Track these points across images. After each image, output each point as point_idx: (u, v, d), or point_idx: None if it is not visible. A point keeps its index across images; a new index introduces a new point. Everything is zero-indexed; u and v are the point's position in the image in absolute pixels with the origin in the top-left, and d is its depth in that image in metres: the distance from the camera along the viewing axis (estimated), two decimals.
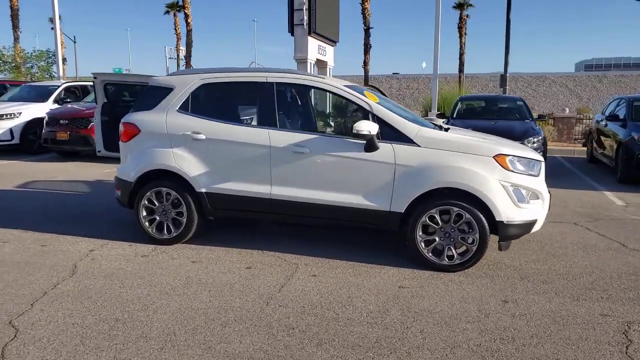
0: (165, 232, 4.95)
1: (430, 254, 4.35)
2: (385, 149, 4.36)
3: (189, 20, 26.91)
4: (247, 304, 3.65)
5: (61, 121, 10.86)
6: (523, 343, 3.16)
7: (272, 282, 4.08)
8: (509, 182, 4.23)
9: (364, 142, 4.35)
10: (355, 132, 4.22)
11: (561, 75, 43.07)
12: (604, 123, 10.37)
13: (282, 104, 4.80)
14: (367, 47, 25.35)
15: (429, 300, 3.77)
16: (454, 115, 9.71)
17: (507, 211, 4.20)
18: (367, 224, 4.61)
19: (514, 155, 4.34)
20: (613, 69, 78.64)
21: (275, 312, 3.52)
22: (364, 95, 4.60)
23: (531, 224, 4.34)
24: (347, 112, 5.33)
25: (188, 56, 27.21)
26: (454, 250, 4.31)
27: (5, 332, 3.22)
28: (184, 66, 27.92)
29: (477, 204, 4.22)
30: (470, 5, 33.66)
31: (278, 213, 4.72)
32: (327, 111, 6.27)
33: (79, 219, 5.97)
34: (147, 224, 4.98)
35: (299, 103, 5.45)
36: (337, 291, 3.91)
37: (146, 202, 4.95)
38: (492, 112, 10.05)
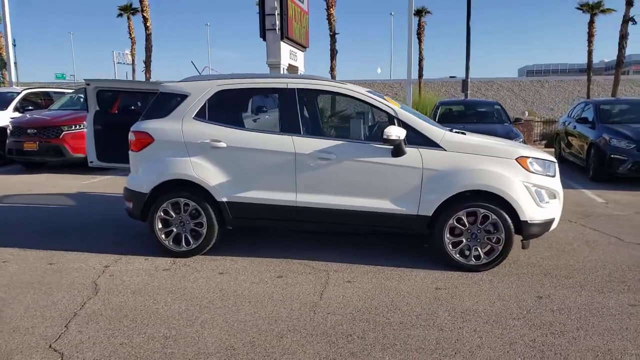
0: (184, 244, 4.80)
1: (457, 255, 4.45)
2: (412, 153, 4.42)
3: (148, 24, 26.10)
4: (294, 313, 3.60)
5: (29, 130, 10.32)
6: (572, 336, 3.28)
7: (309, 290, 4.04)
8: (531, 182, 4.39)
9: (391, 147, 4.40)
10: (386, 137, 4.27)
11: (507, 80, 45.02)
12: (572, 125, 10.91)
13: (305, 110, 4.78)
14: (333, 53, 25.47)
15: (469, 300, 3.85)
16: (436, 119, 9.95)
17: (530, 211, 4.35)
18: (394, 229, 4.65)
19: (533, 157, 4.51)
20: (551, 74, 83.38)
21: (326, 320, 3.50)
22: (387, 101, 4.66)
23: (550, 222, 4.51)
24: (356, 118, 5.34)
25: (148, 62, 26.40)
26: (480, 251, 4.42)
27: (50, 357, 3.03)
28: (143, 72, 27.07)
29: (502, 205, 4.35)
30: (429, 12, 34.54)
31: (303, 220, 4.69)
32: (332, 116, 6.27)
33: (77, 233, 5.70)
34: (163, 236, 4.82)
35: (320, 109, 5.45)
36: (377, 296, 3.92)
37: (162, 214, 4.79)
38: (471, 115, 10.39)
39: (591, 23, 34.98)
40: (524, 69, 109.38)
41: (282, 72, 17.45)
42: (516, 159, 4.43)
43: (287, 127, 4.64)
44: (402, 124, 4.47)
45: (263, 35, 17.20)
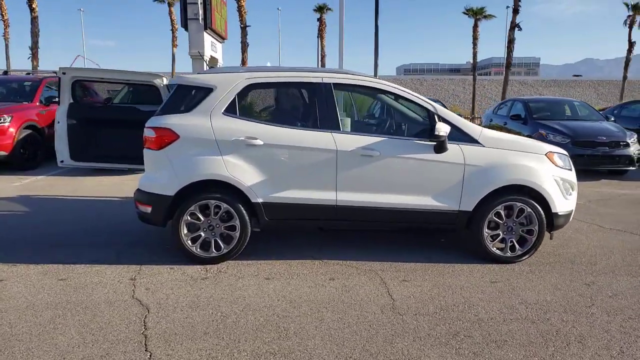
0: (214, 249, 4.41)
1: (495, 248, 4.60)
2: (454, 149, 4.47)
3: (33, 6, 23.39)
4: (382, 317, 3.47)
5: None
6: None
7: (373, 291, 3.93)
8: (559, 176, 4.66)
9: (434, 143, 4.42)
10: (437, 133, 4.27)
11: (389, 78, 47.58)
12: (502, 121, 11.80)
13: (342, 105, 4.61)
14: (244, 46, 24.90)
15: (530, 291, 3.99)
16: None
17: (559, 203, 4.63)
18: (435, 225, 4.68)
19: (557, 152, 4.80)
20: (426, 73, 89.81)
21: (419, 322, 3.42)
22: (425, 98, 4.66)
23: (571, 213, 4.84)
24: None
25: (35, 48, 23.69)
26: (515, 243, 4.62)
27: None
28: (30, 59, 24.24)
29: (536, 198, 4.57)
30: (330, 9, 35.14)
31: (343, 219, 4.53)
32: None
33: (64, 243, 4.98)
34: (189, 242, 4.39)
35: (358, 104, 5.28)
36: (444, 293, 3.91)
37: (189, 218, 4.35)
38: None
39: (475, 27, 38.11)
40: (402, 68, 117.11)
41: (204, 64, 16.75)
42: (546, 154, 4.68)
43: (326, 123, 4.45)
44: (443, 121, 4.50)
45: (185, 24, 16.34)
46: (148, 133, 4.39)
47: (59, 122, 5.57)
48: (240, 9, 24.35)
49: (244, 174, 4.33)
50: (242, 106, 4.45)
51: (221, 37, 19.06)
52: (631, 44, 39.35)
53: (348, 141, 4.40)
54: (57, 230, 5.43)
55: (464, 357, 2.98)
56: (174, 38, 35.09)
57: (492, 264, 4.59)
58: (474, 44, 37.27)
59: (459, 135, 4.53)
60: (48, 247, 4.86)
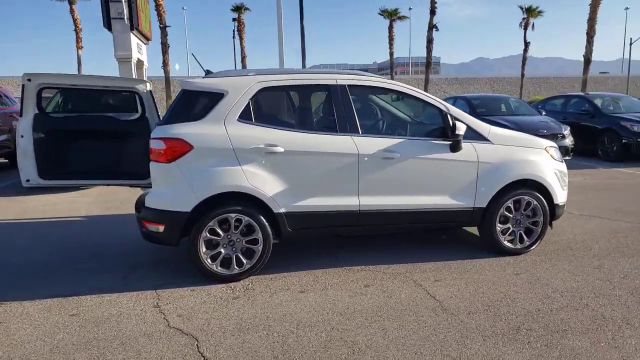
0: (235, 266, 4.14)
1: (506, 241, 4.76)
2: (468, 148, 4.55)
3: None
4: (439, 319, 3.44)
5: None
6: None
7: (414, 294, 3.89)
8: (557, 169, 4.92)
9: (449, 142, 4.47)
10: (457, 132, 4.33)
11: None
12: None
13: (359, 107, 4.50)
14: (164, 47, 23.74)
15: (555, 280, 4.15)
16: None
17: (559, 194, 4.89)
18: (452, 223, 4.74)
19: (553, 146, 5.06)
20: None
21: (477, 320, 3.43)
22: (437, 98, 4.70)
23: (565, 203, 5.13)
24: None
25: None
26: (523, 235, 4.80)
27: None
28: None
29: (540, 191, 4.79)
30: (247, 9, 34.68)
31: (365, 225, 4.45)
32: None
33: (45, 273, 4.44)
34: (209, 260, 4.09)
35: (372, 106, 5.14)
36: (481, 289, 3.96)
37: (207, 235, 4.05)
38: None
39: (391, 27, 39.55)
40: (312, 68, 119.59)
41: (132, 67, 15.82)
42: (545, 149, 4.91)
43: (344, 126, 4.34)
44: (456, 120, 4.56)
45: (108, 24, 15.33)
46: (156, 145, 4.02)
47: (22, 136, 4.91)
48: (158, 8, 23.24)
49: (264, 183, 4.10)
50: (256, 111, 4.21)
51: (146, 38, 18.12)
52: (526, 44, 42.73)
53: (368, 144, 4.33)
54: (29, 259, 4.82)
55: (538, 350, 3.03)
56: (78, 39, 32.74)
57: (502, 256, 4.73)
58: (390, 44, 38.61)
59: (470, 134, 4.62)
60: (31, 278, 4.30)
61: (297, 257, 4.71)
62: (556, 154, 5.04)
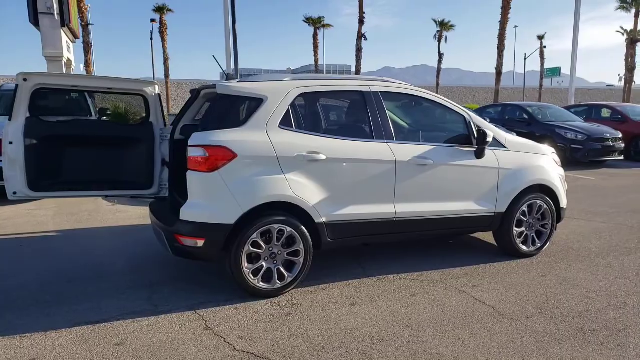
0: (277, 280, 3.92)
1: (521, 244, 4.94)
2: (489, 154, 4.67)
3: None
4: (504, 325, 3.47)
5: None
6: None
7: (463, 301, 3.89)
8: (560, 174, 5.20)
9: (474, 149, 4.57)
10: (488, 140, 4.43)
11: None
12: None
13: (395, 114, 4.45)
14: (87, 46, 22.11)
15: (583, 280, 4.33)
16: None
17: (564, 198, 5.17)
18: (474, 229, 4.83)
19: (554, 152, 5.34)
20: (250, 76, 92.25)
21: (541, 324, 3.49)
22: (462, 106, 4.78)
23: None
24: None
25: None
26: (535, 237, 5.02)
27: None
28: None
29: (549, 195, 5.03)
30: (170, 10, 33.46)
31: (400, 232, 4.41)
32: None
33: (51, 298, 3.94)
34: (251, 275, 3.83)
35: (402, 113, 5.04)
36: (523, 293, 4.05)
37: (250, 248, 3.80)
38: None
39: (315, 35, 39.98)
40: (225, 73, 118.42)
41: (62, 67, 14.65)
42: (549, 154, 5.17)
43: (380, 133, 4.28)
44: (475, 127, 4.66)
45: (35, 20, 14.06)
46: (196, 153, 3.71)
47: (11, 143, 4.30)
48: (80, 4, 21.62)
49: (307, 192, 3.93)
50: (296, 118, 4.03)
51: (74, 36, 16.85)
52: (441, 56, 45.10)
53: (404, 151, 4.30)
54: (22, 282, 4.25)
55: (614, 351, 3.15)
56: None
57: (517, 259, 4.90)
58: (315, 52, 38.95)
59: (492, 141, 4.73)
60: (37, 305, 3.78)
61: (326, 269, 4.55)
62: (558, 159, 5.32)
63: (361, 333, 3.35)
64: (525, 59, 51.82)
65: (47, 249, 5.28)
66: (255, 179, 3.78)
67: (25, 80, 4.23)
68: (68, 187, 4.59)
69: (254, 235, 3.79)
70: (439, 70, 43.92)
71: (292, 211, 3.91)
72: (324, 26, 40.20)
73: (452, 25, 45.69)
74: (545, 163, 5.03)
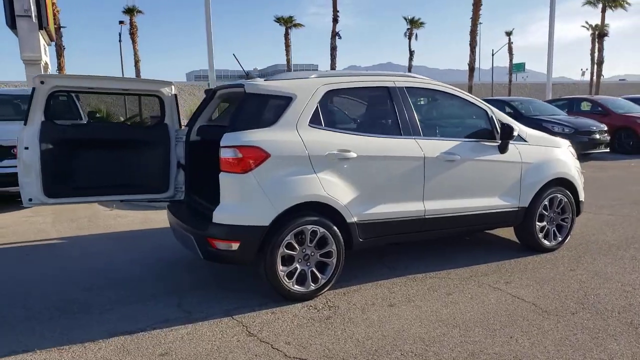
0: (311, 282, 3.80)
1: (543, 239, 4.93)
2: (512, 149, 4.63)
3: None
4: (552, 322, 3.41)
5: None
6: None
7: (503, 298, 3.82)
8: (577, 166, 5.21)
9: (498, 144, 4.54)
10: (515, 134, 4.41)
11: (181, 84, 47.18)
12: None
13: (418, 110, 4.36)
14: (60, 49, 21.42)
15: (613, 273, 4.30)
16: None
17: (582, 191, 5.18)
18: (497, 225, 4.80)
19: (570, 145, 5.34)
20: (217, 79, 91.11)
21: (589, 319, 3.44)
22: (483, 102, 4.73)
23: None
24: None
25: None
26: (556, 232, 5.02)
27: None
28: None
29: (569, 188, 5.03)
30: (140, 11, 32.81)
31: (429, 230, 4.34)
32: None
33: (73, 308, 3.74)
34: (286, 278, 3.71)
35: (426, 108, 4.94)
36: (558, 288, 4.01)
37: (284, 249, 3.67)
38: None
39: (287, 35, 39.77)
40: (192, 74, 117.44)
41: (41, 70, 14.17)
42: (567, 147, 5.18)
43: (408, 129, 4.19)
44: (497, 121, 4.61)
45: (12, 23, 13.56)
46: (229, 154, 3.55)
47: (27, 148, 4.07)
48: (52, 6, 20.91)
49: (339, 191, 3.82)
50: (325, 115, 3.91)
51: (50, 39, 16.34)
52: (411, 53, 45.50)
53: (431, 147, 4.23)
54: (43, 292, 4.02)
55: None
56: None
57: (539, 254, 4.88)
58: (287, 51, 38.74)
59: None
60: (65, 316, 3.58)
61: (352, 270, 4.43)
62: (573, 152, 5.33)
63: (409, 334, 3.26)
64: (493, 55, 52.66)
65: (55, 257, 5.04)
66: (288, 179, 3.65)
67: (42, 82, 4.00)
68: (84, 192, 4.38)
69: (288, 237, 3.66)
70: (410, 68, 44.20)
71: (323, 211, 3.79)
72: (295, 25, 40.02)
73: (422, 23, 46.00)
74: (563, 156, 5.03)
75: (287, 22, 39.87)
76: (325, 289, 3.88)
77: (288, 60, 40.27)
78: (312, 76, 4.00)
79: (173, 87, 4.57)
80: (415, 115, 4.25)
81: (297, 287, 3.74)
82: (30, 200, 4.17)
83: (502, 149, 4.53)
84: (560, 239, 5.01)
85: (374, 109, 4.37)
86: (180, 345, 3.12)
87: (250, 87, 3.77)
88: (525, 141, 4.79)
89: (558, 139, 5.21)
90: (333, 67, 31.90)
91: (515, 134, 4.42)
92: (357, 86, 4.14)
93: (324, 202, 3.75)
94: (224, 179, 3.58)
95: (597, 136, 12.36)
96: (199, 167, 4.48)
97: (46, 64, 15.34)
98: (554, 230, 4.98)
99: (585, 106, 15.51)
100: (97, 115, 7.12)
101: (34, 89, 4.01)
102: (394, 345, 3.12)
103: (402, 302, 3.77)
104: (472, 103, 4.64)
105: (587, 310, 3.60)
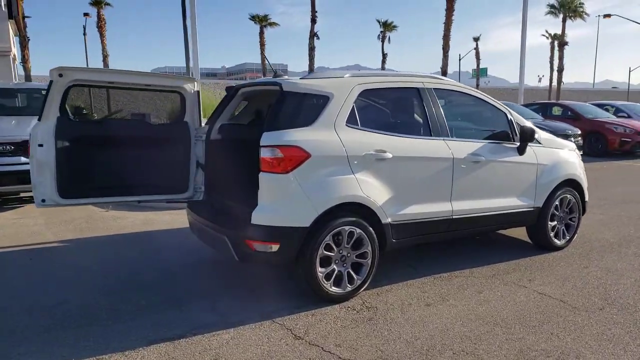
0: (347, 283, 3.79)
1: (554, 237, 5.08)
2: (528, 150, 4.76)
3: None
4: (592, 319, 3.52)
5: None
6: None
7: (530, 296, 3.92)
8: (582, 167, 5.40)
9: (516, 145, 4.65)
10: (536, 137, 4.53)
11: None
12: None
13: (445, 110, 4.40)
14: (24, 40, 20.51)
15: (629, 271, 4.46)
16: None
17: (587, 192, 5.37)
18: (517, 224, 4.90)
19: (575, 146, 5.53)
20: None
21: (620, 316, 3.57)
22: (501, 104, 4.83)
23: None
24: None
25: None
26: (565, 230, 5.18)
27: None
28: None
29: (576, 189, 5.21)
30: (108, 4, 31.89)
31: (455, 230, 4.40)
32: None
33: (106, 315, 3.59)
34: (324, 280, 3.68)
35: (451, 109, 4.95)
36: (579, 285, 4.14)
37: (323, 251, 3.65)
38: None
39: (261, 33, 39.53)
40: (157, 70, 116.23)
41: (10, 61, 13.56)
42: (574, 149, 5.36)
43: (437, 130, 4.24)
44: (515, 124, 4.73)
45: None
46: (271, 153, 3.49)
47: (41, 145, 3.87)
48: None
49: (376, 192, 3.83)
50: (360, 115, 3.90)
51: (18, 29, 15.66)
52: (384, 55, 46.06)
53: (459, 148, 4.29)
54: (59, 299, 3.85)
55: None
56: None
57: (549, 252, 5.03)
58: (262, 50, 38.50)
59: None
60: (100, 322, 3.44)
61: (379, 270, 4.44)
62: (579, 153, 5.52)
63: (454, 333, 3.30)
64: (460, 59, 53.99)
65: (62, 261, 4.83)
66: (328, 180, 3.62)
67: (60, 75, 3.82)
68: (99, 192, 4.21)
69: (327, 238, 3.64)
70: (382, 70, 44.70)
71: (360, 212, 3.79)
72: (270, 24, 39.81)
73: (395, 26, 46.68)
74: (572, 158, 5.20)
75: (262, 21, 39.61)
76: (361, 290, 3.88)
77: (263, 59, 39.98)
78: (346, 75, 3.99)
79: (196, 83, 4.46)
80: (444, 116, 4.30)
81: (334, 289, 3.72)
82: (43, 201, 3.98)
83: (521, 150, 4.65)
84: (568, 237, 5.18)
85: (406, 109, 4.39)
86: (228, 351, 3.05)
87: (288, 85, 3.72)
88: (540, 143, 4.92)
89: (566, 142, 5.38)
90: (311, 67, 31.86)
91: (536, 136, 4.54)
92: (390, 86, 4.16)
93: (361, 202, 3.74)
94: (264, 179, 3.52)
95: (572, 140, 12.83)
96: (222, 166, 4.39)
97: (14, 55, 14.71)
98: (563, 229, 5.14)
99: (557, 111, 16.07)
100: (84, 111, 6.92)
101: (51, 82, 3.83)
102: (444, 344, 3.15)
103: (438, 302, 3.81)
104: (492, 105, 4.73)
105: (612, 306, 3.74)
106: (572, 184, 5.14)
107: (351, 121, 3.81)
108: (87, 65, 36.55)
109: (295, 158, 3.51)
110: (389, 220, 3.92)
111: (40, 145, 3.89)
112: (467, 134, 4.58)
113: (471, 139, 4.49)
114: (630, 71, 50.19)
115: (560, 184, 5.00)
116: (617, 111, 17.57)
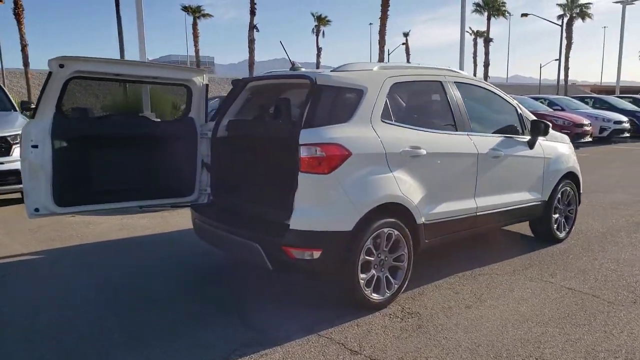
0: (386, 288, 3.57)
1: (557, 231, 5.14)
2: (536, 144, 4.77)
3: None
4: (629, 313, 3.52)
5: None
6: None
7: (557, 293, 3.88)
8: (576, 160, 5.50)
9: (526, 139, 4.64)
10: (549, 131, 4.52)
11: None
12: None
13: (467, 105, 4.26)
14: None
15: (634, 260, 4.60)
16: None
17: (581, 184, 5.49)
18: (528, 218, 4.89)
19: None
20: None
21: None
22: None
23: None
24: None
25: None
26: (565, 223, 5.26)
27: None
28: None
29: (574, 181, 5.30)
30: None
31: (477, 227, 4.29)
32: None
33: (135, 328, 3.15)
34: (366, 286, 3.44)
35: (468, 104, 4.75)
36: (601, 278, 4.17)
37: (364, 256, 3.41)
38: None
39: (195, 25, 38.21)
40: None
41: None
42: (569, 142, 5.44)
43: (462, 124, 4.11)
44: (524, 118, 4.72)
45: None
46: (311, 152, 3.18)
47: (36, 147, 3.31)
48: None
49: (411, 191, 3.63)
50: (393, 110, 3.68)
51: None
52: (319, 50, 46.10)
53: (482, 143, 4.19)
54: (59, 318, 3.34)
55: None
56: None
57: (551, 245, 5.09)
58: (195, 42, 37.25)
59: None
60: (119, 347, 2.99)
61: None
62: (572, 147, 5.62)
63: (511, 336, 3.17)
64: (389, 54, 55.10)
65: (44, 275, 4.24)
66: (368, 179, 3.37)
67: (61, 66, 3.26)
68: (100, 198, 3.71)
69: (368, 242, 3.40)
70: (318, 64, 44.68)
71: (397, 212, 3.57)
72: (203, 15, 38.53)
73: (329, 20, 46.78)
74: (569, 151, 5.28)
75: (195, 12, 38.28)
76: (398, 295, 3.67)
77: (197, 51, 38.62)
78: (375, 68, 3.75)
79: (205, 75, 4.03)
80: (466, 110, 4.18)
81: (375, 295, 3.50)
82: (36, 210, 3.44)
83: (532, 144, 4.63)
84: (567, 229, 5.27)
85: (433, 103, 4.22)
86: (278, 356, 2.74)
87: (322, 78, 3.41)
88: (544, 137, 4.94)
89: (564, 135, 5.45)
90: (251, 60, 31.09)
91: (550, 130, 4.53)
92: (417, 80, 3.97)
93: (400, 202, 3.53)
94: (304, 180, 3.21)
95: None
96: (238, 166, 4.02)
97: None
98: (563, 221, 5.22)
99: None
100: (32, 106, 6.25)
101: (50, 73, 3.28)
102: (507, 350, 3.01)
103: (476, 303, 3.69)
104: (504, 99, 4.68)
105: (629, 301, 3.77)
106: (571, 176, 5.21)
107: (385, 116, 3.58)
108: (0, 59, 33.51)
109: (336, 157, 3.22)
110: (423, 220, 3.74)
111: (35, 147, 3.33)
112: (484, 128, 4.49)
113: (488, 133, 4.41)
114: (541, 67, 53.36)
115: (562, 177, 5.05)
116: (551, 104, 18.57)
